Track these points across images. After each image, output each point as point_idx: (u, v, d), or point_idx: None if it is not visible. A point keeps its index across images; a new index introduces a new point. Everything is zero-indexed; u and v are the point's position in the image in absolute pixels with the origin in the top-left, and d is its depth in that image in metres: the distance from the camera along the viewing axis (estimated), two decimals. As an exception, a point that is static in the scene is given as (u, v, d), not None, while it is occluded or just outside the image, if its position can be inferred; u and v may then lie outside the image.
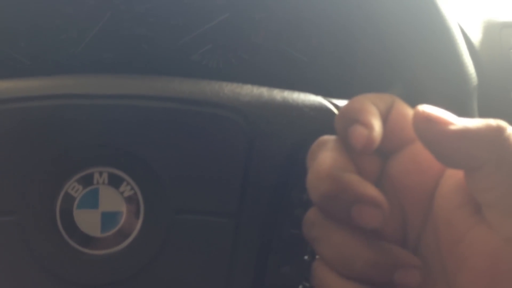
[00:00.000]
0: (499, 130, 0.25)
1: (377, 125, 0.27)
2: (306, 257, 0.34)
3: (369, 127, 0.27)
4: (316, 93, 0.38)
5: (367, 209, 0.25)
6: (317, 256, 0.29)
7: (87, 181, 0.34)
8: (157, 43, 0.50)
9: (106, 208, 0.34)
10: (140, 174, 0.34)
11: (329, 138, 0.29)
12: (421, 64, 0.38)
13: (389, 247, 0.27)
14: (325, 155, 0.28)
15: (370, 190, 0.26)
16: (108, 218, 0.34)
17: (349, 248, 0.27)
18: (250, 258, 0.35)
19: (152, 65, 0.51)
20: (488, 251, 0.25)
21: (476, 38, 0.51)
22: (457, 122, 0.26)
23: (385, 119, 0.29)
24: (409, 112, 0.28)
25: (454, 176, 0.28)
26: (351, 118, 0.28)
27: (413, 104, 0.28)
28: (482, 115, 0.39)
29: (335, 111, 0.37)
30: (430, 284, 0.28)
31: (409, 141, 0.29)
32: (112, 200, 0.34)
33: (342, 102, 0.38)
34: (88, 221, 0.34)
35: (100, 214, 0.34)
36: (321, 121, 0.35)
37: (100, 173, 0.34)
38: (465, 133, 0.25)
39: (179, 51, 0.50)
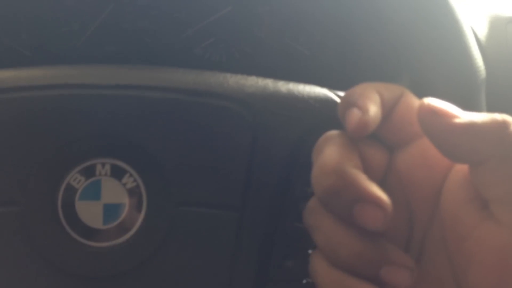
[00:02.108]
0: (504, 125, 0.25)
1: (372, 110, 0.27)
2: (310, 251, 0.34)
3: (363, 110, 0.27)
4: (320, 87, 0.37)
5: (370, 209, 0.25)
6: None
7: (89, 172, 0.34)
8: (159, 36, 0.50)
9: (108, 200, 0.34)
10: (143, 166, 0.34)
11: (335, 133, 0.29)
12: (429, 56, 0.38)
13: (379, 242, 0.27)
14: (331, 150, 0.27)
15: (375, 189, 0.25)
16: (110, 210, 0.34)
17: (337, 237, 0.27)
18: (254, 251, 0.35)
19: (154, 59, 0.50)
20: (496, 246, 0.25)
21: (482, 33, 0.51)
22: (462, 116, 0.26)
23: (391, 109, 0.28)
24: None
25: (461, 171, 0.27)
26: (350, 102, 0.27)
27: (420, 97, 0.28)
28: (488, 110, 0.39)
29: None
30: (437, 281, 0.28)
31: (417, 135, 0.28)
32: (114, 192, 0.34)
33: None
34: (90, 212, 0.34)
35: (102, 206, 0.34)
36: (327, 113, 0.35)
37: (103, 165, 0.34)
38: (470, 127, 0.25)
39: (182, 45, 0.50)
